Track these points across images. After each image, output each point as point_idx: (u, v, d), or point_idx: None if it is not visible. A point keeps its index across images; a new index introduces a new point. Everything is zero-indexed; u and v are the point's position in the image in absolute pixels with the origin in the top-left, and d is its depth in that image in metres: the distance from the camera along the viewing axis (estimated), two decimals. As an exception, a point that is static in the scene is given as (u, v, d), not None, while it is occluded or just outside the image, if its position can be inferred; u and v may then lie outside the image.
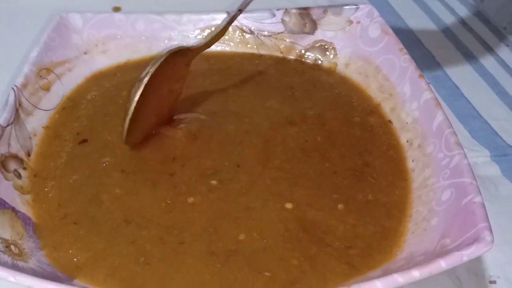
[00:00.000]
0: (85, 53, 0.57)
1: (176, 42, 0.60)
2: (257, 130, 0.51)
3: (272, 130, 0.51)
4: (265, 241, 0.41)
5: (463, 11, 0.76)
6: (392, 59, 0.54)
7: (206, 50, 0.60)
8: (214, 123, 0.52)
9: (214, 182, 0.46)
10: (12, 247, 0.38)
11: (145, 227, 0.42)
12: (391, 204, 0.44)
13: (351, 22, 0.58)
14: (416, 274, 0.34)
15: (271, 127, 0.51)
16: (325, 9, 0.59)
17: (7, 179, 0.43)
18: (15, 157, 0.45)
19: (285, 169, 0.47)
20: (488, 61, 0.68)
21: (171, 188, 0.45)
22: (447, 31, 0.72)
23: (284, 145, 0.49)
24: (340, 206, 0.44)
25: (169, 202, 0.44)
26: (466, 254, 0.34)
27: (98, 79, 0.57)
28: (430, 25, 0.73)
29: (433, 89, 0.51)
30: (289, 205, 0.44)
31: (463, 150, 0.43)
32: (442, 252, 0.36)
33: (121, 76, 0.57)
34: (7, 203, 0.41)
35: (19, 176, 0.45)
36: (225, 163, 0.47)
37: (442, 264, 0.34)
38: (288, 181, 0.46)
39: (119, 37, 0.59)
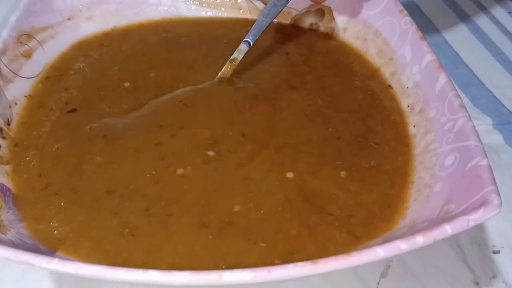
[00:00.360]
0: (68, 19, 0.55)
1: (166, 8, 0.57)
2: (264, 94, 0.48)
3: (276, 94, 0.48)
4: (262, 211, 0.39)
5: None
6: (392, 22, 0.51)
7: (195, 16, 0.58)
8: (212, 90, 0.49)
9: (211, 153, 0.43)
10: (-11, 219, 0.36)
11: (129, 198, 0.40)
12: (394, 171, 0.42)
13: (348, -16, 0.56)
14: (419, 240, 0.32)
15: (274, 91, 0.49)
16: (321, -29, 0.56)
17: (-16, 148, 0.41)
18: (-6, 125, 0.43)
19: (291, 136, 0.45)
20: (490, 29, 0.66)
21: (156, 159, 0.42)
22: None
23: (289, 110, 0.47)
24: (342, 174, 0.42)
25: (154, 173, 0.41)
26: (473, 219, 0.32)
27: (84, 48, 0.54)
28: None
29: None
30: (290, 175, 0.42)
31: (467, 113, 0.41)
32: (446, 218, 0.34)
33: (108, 46, 0.54)
34: (-15, 173, 0.39)
35: (-2, 145, 0.42)
36: (230, 132, 0.44)
37: (447, 229, 0.32)
38: (293, 149, 0.43)
39: (104, 1, 0.56)
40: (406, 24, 0.50)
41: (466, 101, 0.56)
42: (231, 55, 0.50)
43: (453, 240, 0.43)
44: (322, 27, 0.57)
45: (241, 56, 0.50)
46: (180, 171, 0.42)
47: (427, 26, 0.65)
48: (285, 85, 0.50)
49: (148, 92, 0.49)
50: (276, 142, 0.44)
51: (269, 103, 0.48)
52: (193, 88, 0.49)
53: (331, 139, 0.45)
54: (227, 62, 0.50)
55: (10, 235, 0.36)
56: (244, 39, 0.50)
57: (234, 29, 0.57)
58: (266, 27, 0.51)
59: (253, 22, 0.57)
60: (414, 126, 0.45)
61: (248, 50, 0.50)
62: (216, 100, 0.48)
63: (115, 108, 0.48)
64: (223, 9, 0.58)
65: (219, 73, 0.50)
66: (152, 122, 0.45)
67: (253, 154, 0.43)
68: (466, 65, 0.60)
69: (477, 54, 0.62)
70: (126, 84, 0.50)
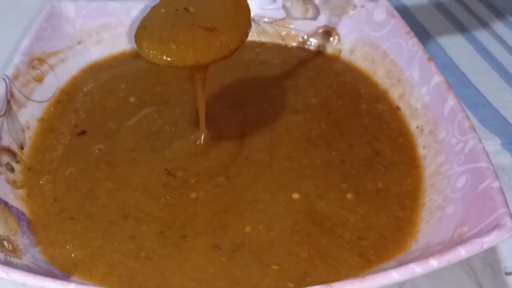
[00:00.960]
0: (78, 43, 0.55)
1: (173, 31, 0.58)
2: (263, 119, 0.49)
3: (276, 119, 0.49)
4: (272, 233, 0.39)
5: (468, -2, 0.74)
6: (400, 43, 0.52)
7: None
8: (218, 117, 0.49)
9: (221, 179, 0.44)
10: (5, 243, 0.36)
11: (145, 222, 0.40)
12: (403, 193, 0.43)
13: (355, 6, 0.56)
14: (434, 263, 0.32)
15: (274, 116, 0.49)
16: (328, -7, 0.57)
17: (-1, 172, 0.41)
18: (7, 150, 0.43)
19: (292, 158, 0.45)
20: (496, 48, 0.66)
21: (168, 190, 0.43)
22: (452, 18, 0.70)
23: (289, 133, 0.47)
24: (349, 196, 0.42)
25: (169, 198, 0.42)
26: (487, 241, 0.32)
27: (94, 71, 0.55)
28: (435, 13, 0.72)
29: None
30: (296, 196, 0.42)
31: (477, 134, 0.41)
32: (460, 241, 0.34)
33: (118, 68, 0.55)
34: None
35: (11, 169, 0.43)
36: (238, 158, 0.45)
37: (462, 252, 0.32)
38: (296, 171, 0.44)
39: (114, 26, 0.57)
40: (414, 45, 0.50)
41: (475, 121, 0.56)
42: (240, 74, 0.51)
43: (465, 262, 0.43)
44: (330, 48, 0.57)
45: None
46: (193, 195, 0.42)
47: (434, 47, 0.66)
48: (288, 109, 0.50)
49: (153, 104, 0.50)
50: (278, 164, 0.45)
51: (268, 126, 0.48)
52: None
53: (335, 162, 0.45)
54: None
55: (26, 259, 0.36)
56: None
57: (242, 50, 0.57)
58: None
59: (260, 44, 0.58)
60: (424, 148, 0.46)
61: None
62: (219, 126, 0.48)
63: (121, 123, 0.48)
64: (231, 31, 0.59)
65: None
66: (162, 156, 0.46)
67: (258, 176, 0.44)
68: (473, 85, 0.60)
69: (484, 74, 0.62)
70: (132, 99, 0.51)
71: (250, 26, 0.41)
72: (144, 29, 0.40)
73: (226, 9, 0.41)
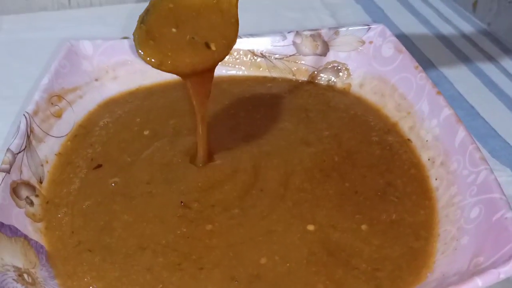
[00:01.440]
0: (96, 79, 0.57)
1: (187, 67, 0.59)
2: (276, 151, 0.50)
3: (289, 150, 0.50)
4: (288, 264, 0.40)
5: (472, 32, 0.76)
6: (408, 78, 0.53)
7: (217, 75, 0.60)
8: (231, 148, 0.50)
9: (236, 211, 0.44)
10: (25, 275, 0.37)
11: (162, 254, 0.41)
12: (417, 224, 0.43)
13: (363, 42, 0.58)
14: (451, 293, 0.32)
15: (287, 147, 0.50)
16: (337, 30, 0.59)
17: (19, 206, 0.42)
18: (27, 184, 0.44)
19: (306, 190, 0.46)
20: (501, 81, 0.67)
21: (184, 222, 0.43)
22: (458, 53, 0.72)
23: (302, 165, 0.48)
24: (364, 227, 0.43)
25: (185, 230, 0.43)
26: (503, 272, 0.33)
27: (110, 106, 0.56)
28: (441, 47, 0.73)
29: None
30: (311, 227, 0.42)
31: (489, 166, 0.41)
32: (476, 271, 0.35)
33: (133, 102, 0.57)
34: (19, 231, 0.40)
35: (31, 203, 0.43)
36: (253, 190, 0.46)
37: (478, 282, 0.32)
38: (309, 202, 0.45)
39: (129, 63, 0.58)
40: (422, 79, 0.52)
41: (485, 152, 0.56)
42: (253, 107, 0.53)
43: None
44: (339, 83, 0.59)
45: None
46: (209, 227, 0.43)
47: (441, 80, 0.67)
48: (300, 141, 0.51)
49: (166, 137, 0.51)
50: (291, 196, 0.45)
51: (281, 158, 0.49)
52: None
53: (348, 194, 0.46)
54: None
55: (45, 292, 0.36)
56: None
57: (254, 85, 0.59)
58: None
59: (272, 79, 0.59)
60: (436, 179, 0.46)
61: None
62: (232, 157, 0.49)
63: (135, 156, 0.49)
64: (243, 68, 0.60)
65: None
66: (176, 188, 0.46)
67: (272, 208, 0.44)
68: (482, 117, 0.61)
69: (492, 106, 0.63)
70: (146, 132, 0.52)
71: (235, 41, 0.44)
72: (146, 34, 0.42)
73: (219, 24, 0.44)
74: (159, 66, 0.42)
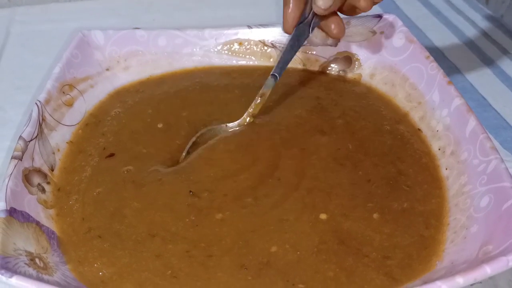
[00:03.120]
0: (107, 69, 0.57)
1: (199, 57, 0.59)
2: (293, 139, 0.50)
3: (305, 139, 0.50)
4: (298, 253, 0.40)
5: (484, 24, 0.75)
6: (419, 67, 0.53)
7: (228, 65, 0.60)
8: (249, 133, 0.51)
9: (249, 199, 0.44)
10: (37, 260, 0.37)
11: (171, 241, 0.41)
12: (428, 213, 0.43)
13: (374, 32, 0.58)
14: (460, 280, 0.32)
15: (303, 135, 0.50)
16: (348, 20, 0.58)
17: (31, 193, 0.42)
18: (39, 171, 0.44)
19: (319, 178, 0.46)
20: (514, 72, 0.67)
21: (194, 211, 0.44)
22: (470, 44, 0.71)
23: (318, 154, 0.48)
24: (375, 216, 0.43)
25: (193, 218, 0.43)
26: (513, 259, 0.33)
27: (121, 96, 0.56)
28: (453, 38, 0.73)
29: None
30: (323, 216, 0.43)
31: (499, 155, 0.41)
32: (485, 259, 0.34)
33: (144, 92, 0.57)
34: (31, 217, 0.40)
35: (43, 190, 0.44)
36: (269, 179, 0.46)
37: (487, 269, 0.32)
38: (323, 191, 0.45)
39: (140, 53, 0.58)
40: (433, 69, 0.51)
41: (496, 143, 0.56)
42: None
43: (491, 282, 0.43)
44: (350, 73, 0.58)
45: (269, 90, 0.51)
46: (219, 216, 0.43)
47: (453, 71, 0.66)
48: (315, 130, 0.51)
49: (181, 130, 0.52)
50: (306, 184, 0.45)
51: (298, 147, 0.49)
52: (223, 139, 0.50)
53: (361, 182, 0.46)
54: (257, 97, 0.51)
55: (56, 276, 0.37)
56: (271, 73, 0.51)
57: (264, 75, 0.58)
58: (291, 61, 0.51)
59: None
60: (446, 169, 0.46)
61: (274, 85, 0.51)
62: (252, 148, 0.49)
63: (151, 148, 0.50)
64: (253, 58, 0.60)
65: (249, 108, 0.51)
66: (187, 177, 0.46)
67: (285, 196, 0.44)
68: (494, 109, 0.61)
69: (503, 98, 0.63)
70: (159, 125, 0.52)
71: None
72: None
73: None
74: None
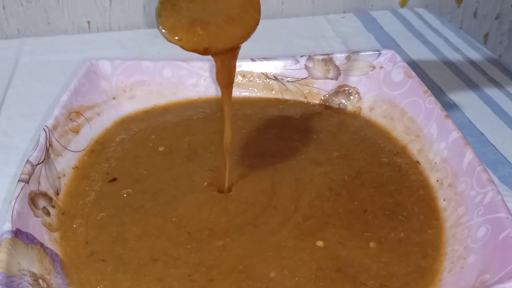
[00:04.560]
0: (113, 98, 0.59)
1: (202, 88, 0.61)
2: (287, 168, 0.51)
3: (299, 169, 0.51)
4: (296, 279, 0.40)
5: (483, 62, 0.77)
6: (417, 102, 0.54)
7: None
8: (250, 164, 0.52)
9: (248, 227, 0.45)
10: (40, 281, 0.38)
11: (173, 265, 0.42)
12: (425, 243, 0.43)
13: (374, 67, 0.59)
14: (457, 308, 0.33)
15: (298, 166, 0.51)
16: (348, 55, 0.60)
17: (36, 215, 0.43)
18: (45, 195, 0.45)
19: (315, 207, 0.47)
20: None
21: (195, 240, 0.44)
22: (468, 81, 0.73)
23: (313, 184, 0.49)
24: (372, 245, 0.43)
25: (195, 245, 0.44)
26: (509, 287, 0.33)
27: (126, 123, 0.58)
28: (451, 75, 0.74)
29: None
30: (320, 243, 0.43)
31: (496, 186, 0.42)
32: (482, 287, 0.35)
33: (148, 120, 0.58)
34: (36, 239, 0.41)
35: (48, 213, 0.45)
36: (267, 208, 0.47)
37: (484, 298, 0.33)
38: (319, 220, 0.45)
39: (146, 83, 0.60)
40: (431, 103, 0.53)
41: (494, 178, 0.56)
42: (264, 128, 0.54)
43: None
44: (350, 106, 0.60)
45: None
46: (220, 242, 0.44)
47: (451, 107, 0.68)
48: (310, 161, 0.52)
49: (181, 153, 0.53)
50: (302, 212, 0.46)
51: (293, 176, 0.50)
52: None
53: (357, 212, 0.46)
54: None
55: (59, 298, 0.37)
56: None
57: (266, 107, 0.60)
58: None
59: (284, 101, 0.61)
60: (444, 200, 0.47)
61: None
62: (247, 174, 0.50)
63: (151, 169, 0.51)
64: (256, 89, 0.62)
65: None
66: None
67: (283, 224, 0.45)
68: (492, 144, 0.62)
69: (501, 134, 0.64)
70: (161, 149, 0.54)
71: (257, 23, 0.43)
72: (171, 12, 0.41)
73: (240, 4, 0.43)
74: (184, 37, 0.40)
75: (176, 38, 0.41)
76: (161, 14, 0.41)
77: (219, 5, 0.42)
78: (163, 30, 0.41)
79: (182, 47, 0.41)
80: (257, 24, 0.43)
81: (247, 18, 0.43)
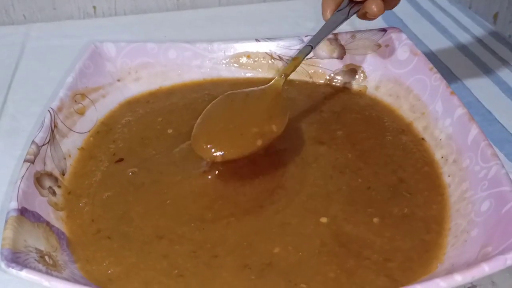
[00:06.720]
0: (118, 80, 0.59)
1: (207, 70, 0.61)
2: (293, 149, 0.51)
3: (304, 149, 0.51)
4: (300, 254, 0.41)
5: (492, 41, 0.76)
6: (423, 79, 0.54)
7: (236, 77, 0.62)
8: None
9: (255, 208, 0.45)
10: (47, 257, 0.38)
11: (178, 242, 0.42)
12: (428, 218, 0.43)
13: (379, 45, 0.59)
14: (458, 278, 0.33)
15: (301, 145, 0.51)
16: (353, 34, 0.60)
17: (42, 195, 0.44)
18: (50, 175, 0.46)
19: (320, 185, 0.47)
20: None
21: (199, 219, 0.45)
22: (476, 60, 0.72)
23: (317, 162, 0.49)
24: (375, 220, 0.43)
25: (199, 224, 0.44)
26: (510, 257, 0.33)
27: (132, 105, 0.58)
28: (460, 56, 0.73)
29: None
30: (324, 220, 0.43)
31: (500, 161, 0.42)
32: (484, 259, 0.35)
33: (154, 102, 0.59)
34: (42, 217, 0.41)
35: (53, 193, 0.45)
36: (273, 188, 0.47)
37: (485, 268, 0.33)
38: (323, 197, 0.46)
39: (151, 65, 0.60)
40: (436, 80, 0.52)
41: (501, 156, 0.57)
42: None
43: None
44: (355, 85, 0.60)
45: (302, 56, 0.52)
46: (224, 221, 0.44)
47: (459, 86, 0.67)
48: (313, 140, 0.52)
49: (190, 136, 0.52)
50: (307, 190, 0.46)
51: (298, 156, 0.50)
52: None
53: (361, 189, 0.47)
54: (291, 60, 0.53)
55: (65, 274, 0.38)
56: (306, 44, 0.52)
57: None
58: (326, 37, 0.53)
59: (289, 81, 0.60)
60: (448, 176, 0.47)
61: (308, 53, 0.52)
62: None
63: (161, 149, 0.52)
64: (260, 70, 0.62)
65: (281, 71, 0.52)
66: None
67: (287, 202, 0.45)
68: (499, 122, 0.62)
69: (509, 113, 0.63)
70: (169, 131, 0.54)
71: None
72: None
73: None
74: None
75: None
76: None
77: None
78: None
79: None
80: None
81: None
